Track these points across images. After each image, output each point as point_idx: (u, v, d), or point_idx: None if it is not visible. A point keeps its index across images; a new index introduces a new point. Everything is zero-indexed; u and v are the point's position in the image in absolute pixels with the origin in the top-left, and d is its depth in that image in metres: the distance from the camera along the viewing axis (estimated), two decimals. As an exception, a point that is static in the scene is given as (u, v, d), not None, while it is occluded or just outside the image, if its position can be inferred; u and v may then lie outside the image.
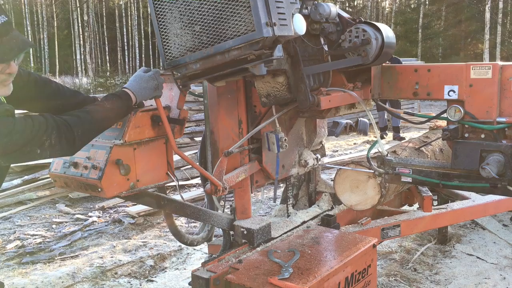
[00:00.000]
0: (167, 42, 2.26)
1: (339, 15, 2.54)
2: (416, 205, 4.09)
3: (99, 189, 2.20)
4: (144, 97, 2.28)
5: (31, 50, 35.16)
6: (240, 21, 2.01)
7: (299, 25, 2.14)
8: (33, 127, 1.86)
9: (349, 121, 12.91)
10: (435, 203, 4.40)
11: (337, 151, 10.66)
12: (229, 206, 3.06)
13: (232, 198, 2.98)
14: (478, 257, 4.57)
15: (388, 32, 2.52)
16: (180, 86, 2.41)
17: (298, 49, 2.29)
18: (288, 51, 2.25)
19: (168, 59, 2.29)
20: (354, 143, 11.61)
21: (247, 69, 2.13)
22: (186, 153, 8.57)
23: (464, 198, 4.11)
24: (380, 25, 2.50)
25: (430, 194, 3.74)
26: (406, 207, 4.12)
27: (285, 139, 2.68)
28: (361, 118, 12.96)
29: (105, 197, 2.25)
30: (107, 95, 2.21)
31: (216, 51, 2.11)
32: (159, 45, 2.29)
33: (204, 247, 4.97)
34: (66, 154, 2.01)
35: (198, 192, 6.78)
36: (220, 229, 2.95)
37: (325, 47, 2.59)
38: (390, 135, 12.03)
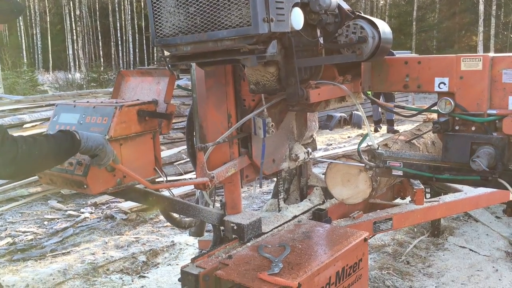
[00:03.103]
0: (159, 18, 2.22)
1: (339, 6, 2.49)
2: (408, 198, 4.09)
3: (85, 186, 2.17)
4: (93, 142, 2.07)
5: (23, 45, 34.98)
6: (236, 12, 1.98)
7: (297, 20, 2.11)
8: None
9: (343, 114, 12.91)
10: (428, 196, 4.40)
11: (331, 144, 10.65)
12: (219, 201, 3.03)
13: (223, 193, 2.96)
14: (470, 250, 4.57)
15: (385, 31, 2.48)
16: (169, 66, 2.39)
17: (293, 41, 2.24)
18: (283, 42, 2.21)
19: (158, 36, 2.25)
20: (348, 137, 11.60)
21: (238, 59, 2.11)
22: (180, 148, 8.50)
23: (456, 190, 4.10)
24: (378, 22, 2.46)
25: (422, 187, 3.73)
26: (398, 200, 4.11)
27: (272, 125, 2.65)
28: (355, 112, 12.96)
29: (91, 193, 2.22)
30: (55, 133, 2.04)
31: (208, 38, 2.08)
32: (150, 19, 2.25)
33: (197, 242, 4.94)
34: (4, 169, 1.79)
35: (190, 187, 6.72)
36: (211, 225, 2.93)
37: (321, 40, 2.55)
38: (384, 128, 12.03)
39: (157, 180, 2.56)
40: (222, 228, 2.89)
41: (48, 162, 1.98)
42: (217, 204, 3.13)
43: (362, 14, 2.50)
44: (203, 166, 2.53)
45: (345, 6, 2.56)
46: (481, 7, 25.07)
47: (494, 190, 3.91)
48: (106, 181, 2.23)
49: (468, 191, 3.99)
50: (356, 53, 2.43)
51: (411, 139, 3.50)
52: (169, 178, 2.59)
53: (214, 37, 2.07)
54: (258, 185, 3.08)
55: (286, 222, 3.02)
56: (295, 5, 2.13)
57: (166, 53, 2.32)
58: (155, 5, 2.21)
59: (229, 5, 1.99)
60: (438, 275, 4.11)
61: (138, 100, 2.43)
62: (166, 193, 2.82)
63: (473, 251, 4.54)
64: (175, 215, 2.92)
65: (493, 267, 4.22)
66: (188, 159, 7.96)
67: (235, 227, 2.76)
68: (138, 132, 2.35)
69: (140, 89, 2.61)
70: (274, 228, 2.90)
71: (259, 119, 2.65)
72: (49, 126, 2.45)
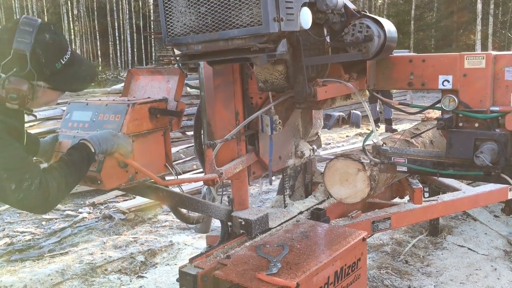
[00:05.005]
0: (171, 18, 2.26)
1: (345, 5, 2.55)
2: (406, 198, 4.09)
3: (99, 182, 2.22)
4: (106, 144, 2.14)
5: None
6: (247, 11, 2.02)
7: (306, 19, 2.16)
8: (23, 159, 1.83)
9: (341, 113, 12.88)
10: (426, 195, 4.38)
11: (329, 144, 10.65)
12: (227, 197, 3.08)
13: (230, 190, 3.00)
14: (469, 249, 4.56)
15: (391, 29, 2.54)
16: (180, 64, 2.44)
17: (301, 39, 2.29)
18: (291, 41, 2.26)
19: (169, 36, 2.29)
20: (347, 136, 11.60)
21: (248, 57, 2.15)
22: (178, 148, 8.53)
23: (455, 189, 4.09)
24: (384, 21, 2.52)
25: (420, 186, 3.73)
26: (396, 200, 4.11)
27: (279, 122, 2.70)
28: (354, 111, 12.89)
29: (104, 189, 2.27)
30: (69, 152, 2.10)
31: (219, 37, 2.12)
32: (162, 19, 2.29)
33: (195, 242, 4.96)
34: (35, 208, 1.91)
35: (193, 185, 6.72)
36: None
37: (327, 39, 2.61)
38: (382, 127, 12.06)
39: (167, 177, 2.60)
40: (229, 223, 2.94)
41: (73, 185, 2.07)
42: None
43: (368, 13, 2.56)
44: (212, 163, 2.58)
45: (351, 5, 2.62)
46: (479, 6, 25.06)
47: (493, 188, 3.94)
48: (119, 177, 2.28)
49: (467, 190, 3.98)
50: (362, 52, 2.48)
51: (413, 137, 3.54)
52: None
53: (225, 36, 2.11)
54: (266, 183, 3.12)
55: (292, 217, 3.07)
56: (304, 4, 2.19)
57: (177, 52, 2.37)
58: (166, 5, 2.25)
59: (240, 5, 2.04)
60: (437, 274, 4.10)
61: (149, 98, 2.47)
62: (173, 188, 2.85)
63: (471, 250, 4.54)
64: (183, 211, 2.96)
65: (492, 266, 4.21)
66: (187, 159, 8.03)
67: (243, 223, 2.80)
68: (150, 129, 2.40)
69: (150, 87, 2.66)
70: (280, 224, 2.95)
71: (266, 117, 2.70)
72: (62, 123, 2.49)
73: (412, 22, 31.69)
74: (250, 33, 2.05)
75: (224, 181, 2.76)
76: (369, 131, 2.81)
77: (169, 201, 2.67)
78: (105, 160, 2.20)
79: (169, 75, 2.62)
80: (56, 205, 2.01)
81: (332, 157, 3.21)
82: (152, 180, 2.45)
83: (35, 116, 2.19)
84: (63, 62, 1.89)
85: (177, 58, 2.38)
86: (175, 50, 2.38)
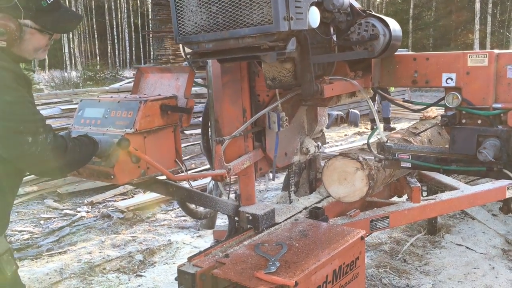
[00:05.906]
0: (182, 17, 2.31)
1: (351, 5, 2.61)
2: (405, 196, 4.08)
3: (112, 176, 2.26)
4: (106, 143, 2.20)
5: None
6: (258, 10, 2.07)
7: (314, 18, 2.22)
8: (35, 113, 1.83)
9: (340, 112, 12.96)
10: (424, 194, 4.39)
11: (328, 142, 10.69)
12: (233, 192, 3.13)
13: (231, 187, 3.05)
14: (467, 247, 4.60)
15: (395, 28, 2.60)
16: (191, 62, 2.48)
17: (308, 38, 2.35)
18: (299, 39, 2.31)
19: (181, 34, 2.34)
20: (345, 135, 11.63)
21: (258, 55, 2.20)
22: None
23: (453, 188, 4.09)
24: (389, 20, 2.57)
25: (419, 185, 3.75)
26: (395, 199, 4.12)
27: (286, 119, 2.76)
28: (352, 110, 13.00)
29: (117, 184, 2.31)
30: (78, 137, 2.13)
31: (230, 35, 2.17)
32: (173, 18, 2.33)
33: (194, 241, 5.00)
34: (54, 160, 1.86)
35: (197, 183, 6.73)
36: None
37: (334, 37, 2.66)
38: (380, 126, 12.08)
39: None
40: (236, 218, 2.99)
41: (82, 162, 2.09)
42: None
43: (373, 13, 2.62)
44: (221, 159, 2.64)
45: (356, 4, 2.68)
46: (477, 5, 25.13)
47: (491, 187, 3.98)
48: (131, 172, 2.32)
49: (465, 189, 3.99)
50: (368, 50, 2.54)
51: (416, 135, 3.59)
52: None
53: (235, 35, 2.16)
54: (271, 178, 3.17)
55: (298, 213, 3.12)
56: (312, 4, 2.24)
57: (188, 50, 2.42)
58: (178, 4, 2.30)
59: (251, 4, 2.09)
60: (435, 273, 4.12)
61: (160, 95, 2.52)
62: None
63: (469, 248, 4.57)
64: (191, 206, 3.02)
65: (490, 264, 4.23)
66: (186, 158, 8.07)
67: (250, 218, 2.85)
68: (161, 125, 2.44)
69: (159, 85, 2.71)
70: (287, 219, 3.00)
71: (273, 114, 2.76)
72: (74, 120, 2.53)
73: (410, 21, 31.75)
74: (260, 32, 2.10)
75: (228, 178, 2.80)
76: (367, 130, 2.86)
77: (178, 196, 2.72)
78: (118, 156, 2.24)
79: (178, 72, 2.66)
80: (71, 166, 2.01)
81: (337, 153, 3.24)
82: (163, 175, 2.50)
83: (29, 61, 2.12)
84: (48, 2, 1.92)
85: (188, 56, 2.42)
86: (185, 48, 2.43)
